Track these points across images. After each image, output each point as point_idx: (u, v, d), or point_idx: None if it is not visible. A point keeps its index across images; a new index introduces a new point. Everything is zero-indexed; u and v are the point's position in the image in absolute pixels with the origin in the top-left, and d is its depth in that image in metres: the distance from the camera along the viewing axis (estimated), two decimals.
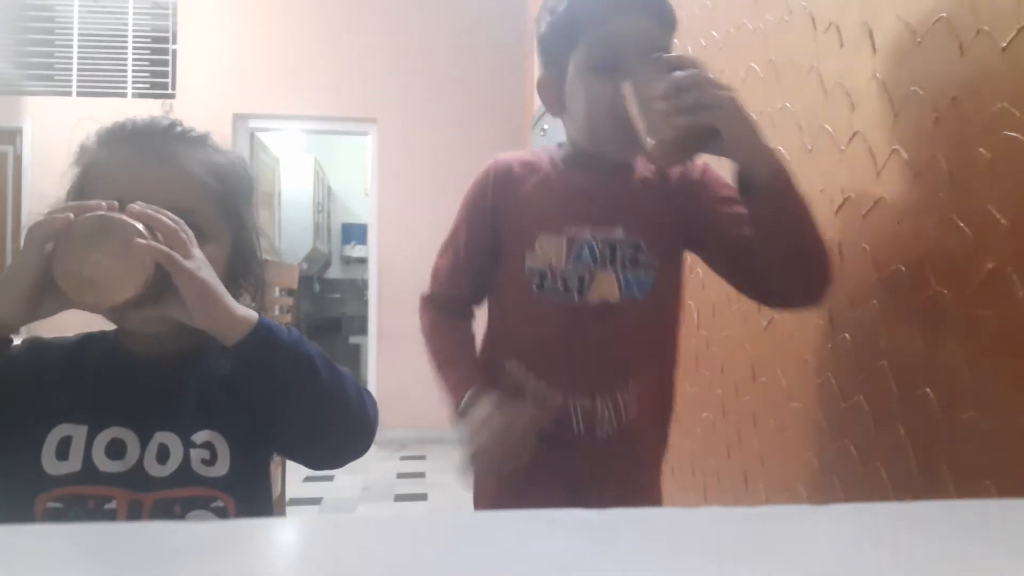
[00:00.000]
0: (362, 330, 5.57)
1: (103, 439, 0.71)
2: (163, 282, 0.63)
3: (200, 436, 0.73)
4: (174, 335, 0.71)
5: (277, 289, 1.99)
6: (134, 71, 4.45)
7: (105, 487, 0.69)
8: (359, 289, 6.78)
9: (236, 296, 0.73)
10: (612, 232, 0.94)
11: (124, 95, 4.40)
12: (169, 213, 0.65)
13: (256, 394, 0.70)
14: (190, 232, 0.66)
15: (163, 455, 0.72)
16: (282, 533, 0.37)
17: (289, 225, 5.93)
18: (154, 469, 0.71)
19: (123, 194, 0.66)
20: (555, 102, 1.00)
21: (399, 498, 3.27)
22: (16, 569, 0.27)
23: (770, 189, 0.77)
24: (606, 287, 0.94)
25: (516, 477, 0.92)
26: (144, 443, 0.72)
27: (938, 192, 0.82)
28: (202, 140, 0.81)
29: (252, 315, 0.69)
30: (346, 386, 0.73)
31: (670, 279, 0.99)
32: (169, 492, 0.71)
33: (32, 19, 4.38)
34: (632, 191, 0.97)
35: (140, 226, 0.62)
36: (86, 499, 0.69)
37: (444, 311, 1.05)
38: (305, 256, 6.15)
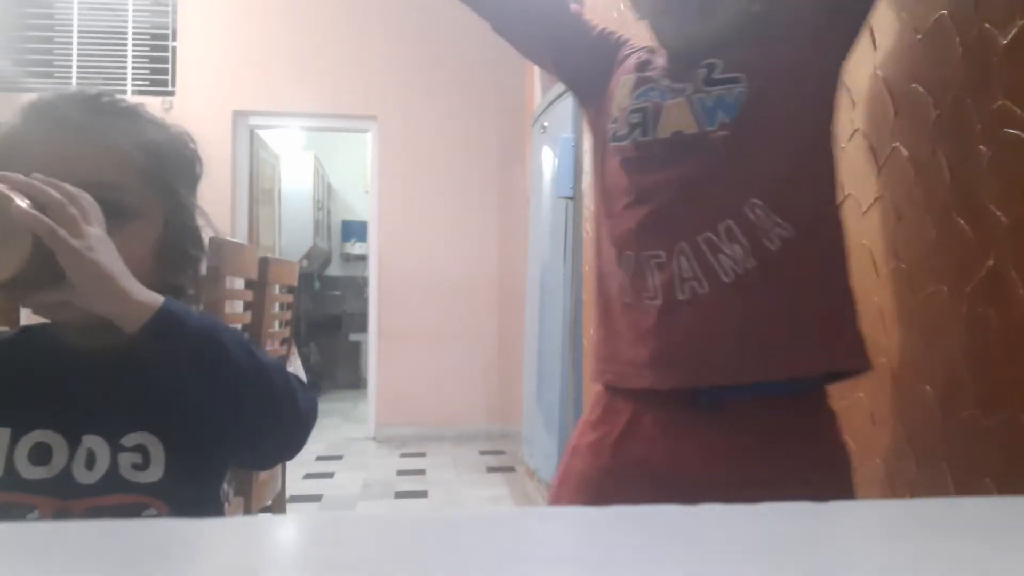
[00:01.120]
0: (362, 327, 5.57)
1: (27, 443, 0.66)
2: (57, 263, 0.56)
3: (131, 439, 0.67)
4: (107, 326, 0.61)
5: (277, 286, 1.99)
6: (134, 68, 4.45)
7: (27, 495, 0.65)
8: (359, 286, 6.79)
9: (173, 280, 0.70)
10: (692, 65, 0.81)
11: (124, 92, 4.39)
12: (63, 185, 0.59)
13: (168, 386, 0.64)
14: (89, 208, 0.60)
15: (91, 460, 0.66)
16: (282, 530, 0.37)
17: (289, 222, 5.93)
18: (82, 476, 0.66)
19: (39, 168, 0.61)
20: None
21: (399, 495, 3.27)
22: (15, 568, 0.27)
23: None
24: (682, 116, 0.80)
25: (615, 357, 0.84)
26: (72, 447, 0.66)
27: (938, 190, 0.81)
28: (133, 113, 0.76)
29: (155, 299, 0.61)
30: (271, 377, 0.65)
31: (780, 99, 0.78)
32: (98, 500, 0.66)
33: (32, 15, 4.37)
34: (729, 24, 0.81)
35: (17, 198, 0.55)
36: (8, 508, 0.64)
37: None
38: (305, 253, 6.15)
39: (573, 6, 0.99)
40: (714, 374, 0.77)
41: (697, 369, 0.78)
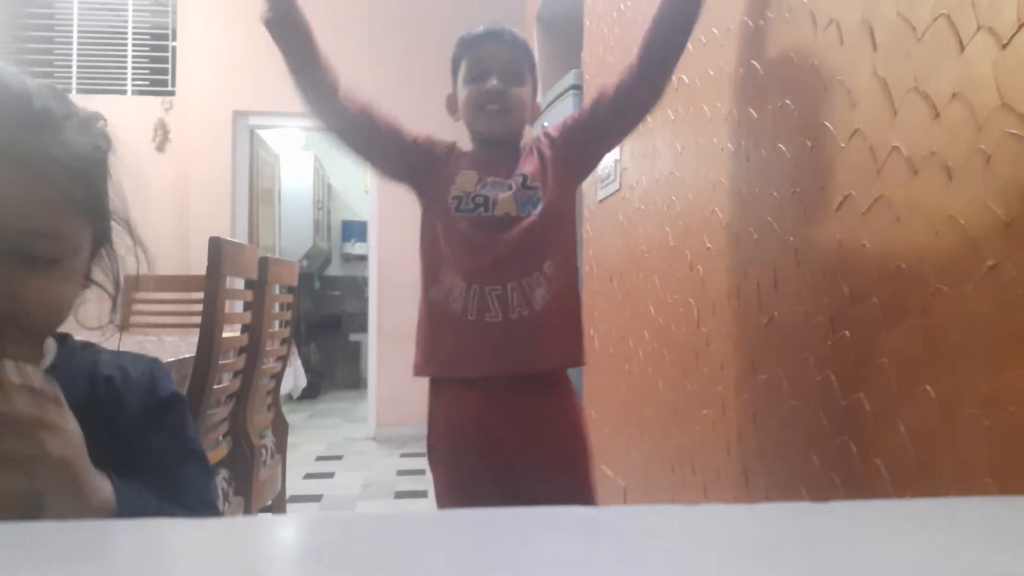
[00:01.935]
0: (362, 327, 5.57)
1: None
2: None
3: None
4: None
5: (277, 286, 1.99)
6: (134, 68, 4.44)
7: None
8: (359, 286, 6.79)
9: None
10: (508, 175, 1.31)
11: (124, 92, 4.39)
12: (39, 377, 0.54)
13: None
14: (60, 399, 0.56)
15: None
16: (282, 530, 0.37)
17: (289, 222, 5.93)
18: None
19: None
20: (454, 109, 1.42)
21: (399, 495, 3.27)
22: (15, 568, 0.27)
23: None
24: (507, 205, 1.28)
25: (454, 356, 1.27)
26: None
27: (938, 189, 0.81)
28: (56, 118, 0.64)
29: (108, 500, 0.58)
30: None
31: (558, 201, 1.30)
32: None
33: (32, 15, 4.37)
34: (522, 155, 1.36)
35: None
36: None
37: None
38: (305, 253, 6.15)
39: (407, 132, 1.41)
40: (535, 364, 1.25)
41: (526, 361, 1.24)
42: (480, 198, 1.28)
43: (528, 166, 1.32)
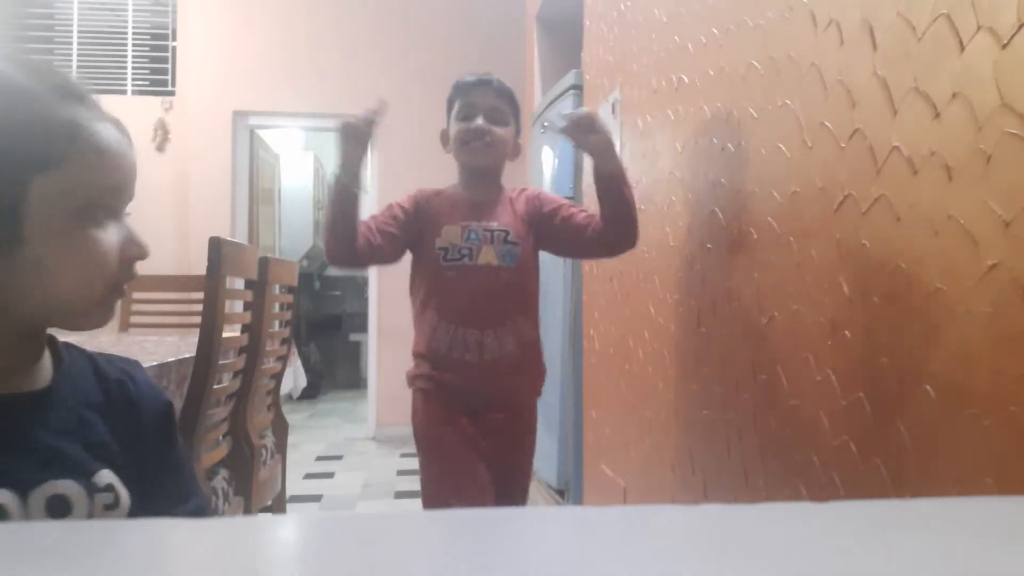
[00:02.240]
0: (362, 327, 5.57)
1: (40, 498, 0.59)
2: None
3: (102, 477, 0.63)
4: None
5: (277, 286, 1.99)
6: (134, 68, 4.45)
7: None
8: (359, 286, 6.78)
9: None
10: (490, 224, 1.50)
11: (124, 92, 4.40)
12: None
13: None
14: None
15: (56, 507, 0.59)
16: (282, 530, 0.37)
17: (289, 222, 5.93)
18: None
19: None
20: (446, 142, 1.61)
21: (399, 495, 3.27)
22: (15, 568, 0.27)
23: (614, 176, 1.42)
24: (489, 256, 1.48)
25: (438, 392, 1.50)
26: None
27: (938, 189, 0.81)
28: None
29: None
30: None
31: (529, 258, 1.53)
32: None
33: (32, 15, 4.37)
34: (501, 201, 1.55)
35: None
36: None
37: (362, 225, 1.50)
38: (305, 253, 6.15)
39: (393, 206, 1.56)
40: (503, 399, 1.51)
41: (496, 398, 1.50)
42: (465, 249, 1.48)
43: (507, 217, 1.53)
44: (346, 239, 1.43)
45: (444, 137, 1.63)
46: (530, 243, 1.52)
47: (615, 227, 1.44)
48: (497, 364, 1.46)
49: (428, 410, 1.51)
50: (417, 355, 1.54)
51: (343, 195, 1.42)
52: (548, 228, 1.53)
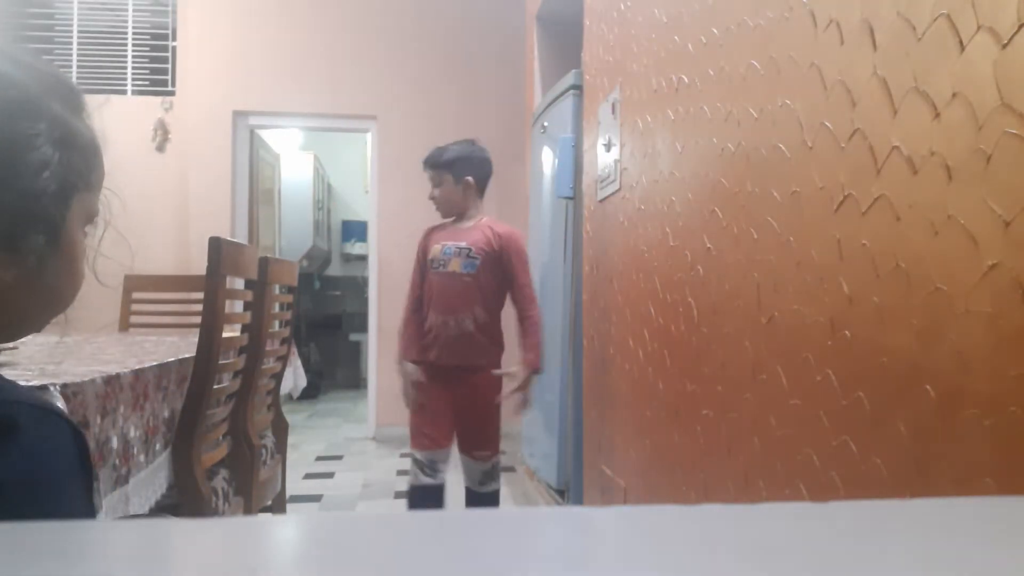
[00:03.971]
0: (362, 327, 5.57)
1: None
2: None
3: None
4: None
5: (277, 286, 1.99)
6: (134, 68, 4.44)
7: None
8: (359, 286, 6.79)
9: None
10: (458, 243, 2.23)
11: (124, 92, 4.39)
12: None
13: None
14: None
15: None
16: (282, 530, 0.37)
17: (289, 222, 5.93)
18: None
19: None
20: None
21: (399, 495, 3.27)
22: (15, 567, 0.27)
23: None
24: (455, 265, 2.21)
25: (425, 350, 2.26)
26: None
27: (938, 189, 0.81)
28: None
29: None
30: None
31: (488, 270, 2.21)
32: None
33: (32, 15, 4.37)
34: (475, 228, 2.26)
35: None
36: None
37: (413, 309, 2.34)
38: (305, 253, 6.15)
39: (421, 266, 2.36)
40: (468, 361, 2.22)
41: (462, 359, 2.22)
42: (442, 261, 2.23)
43: (473, 237, 2.23)
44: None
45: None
46: (489, 259, 2.21)
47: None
48: (462, 338, 2.20)
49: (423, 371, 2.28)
50: (410, 329, 2.32)
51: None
52: (501, 269, 2.24)
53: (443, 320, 2.19)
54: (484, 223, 2.25)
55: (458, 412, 2.22)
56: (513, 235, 2.23)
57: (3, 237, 0.57)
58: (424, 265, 2.27)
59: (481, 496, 2.29)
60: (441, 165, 2.25)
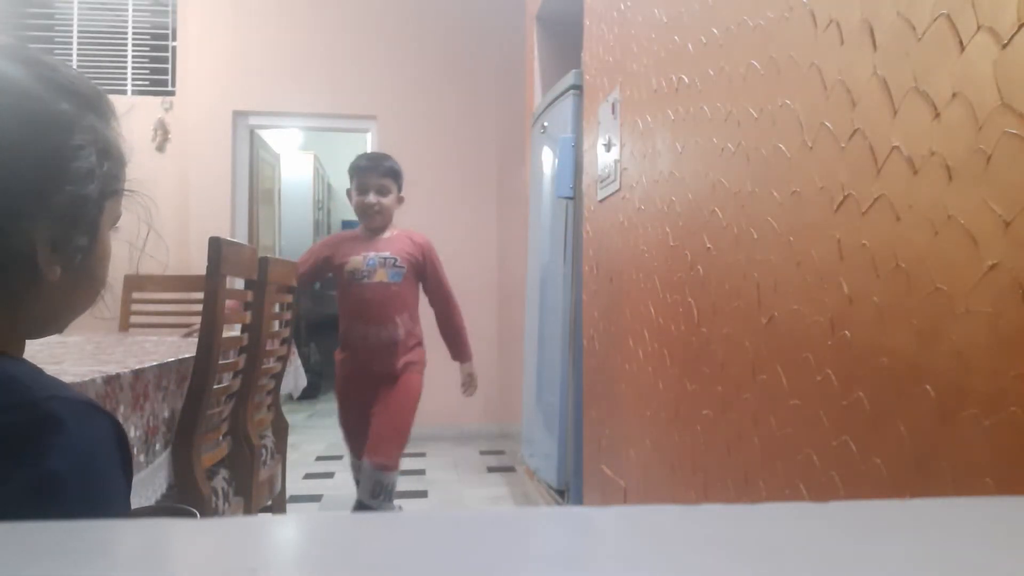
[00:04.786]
0: None
1: None
2: None
3: None
4: None
5: (277, 287, 1.99)
6: (134, 68, 4.44)
7: None
8: None
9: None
10: (381, 253, 2.31)
11: (124, 92, 4.39)
12: None
13: None
14: None
15: None
16: (282, 530, 0.37)
17: (289, 222, 5.93)
18: None
19: None
20: (351, 199, 2.39)
21: (399, 495, 3.27)
22: (15, 567, 0.27)
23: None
24: (382, 276, 2.29)
25: (349, 357, 2.38)
26: None
27: (938, 189, 0.81)
28: None
29: None
30: None
31: (411, 278, 2.35)
32: None
33: (32, 15, 4.37)
34: (395, 238, 2.37)
35: None
36: None
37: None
38: None
39: (313, 255, 2.46)
40: (389, 369, 2.34)
41: (384, 367, 2.35)
42: (365, 272, 2.28)
43: (396, 247, 2.33)
44: None
45: (349, 196, 2.40)
46: (412, 268, 2.35)
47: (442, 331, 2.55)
48: (384, 347, 2.30)
49: (341, 375, 2.45)
50: (341, 335, 2.43)
51: None
52: (419, 276, 2.41)
53: (366, 331, 2.29)
54: (402, 234, 2.38)
55: (373, 414, 2.28)
56: (430, 243, 2.42)
57: (52, 238, 0.62)
58: (317, 274, 2.39)
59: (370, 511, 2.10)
60: (391, 174, 2.31)
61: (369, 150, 4.61)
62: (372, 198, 2.29)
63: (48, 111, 0.61)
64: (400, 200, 2.38)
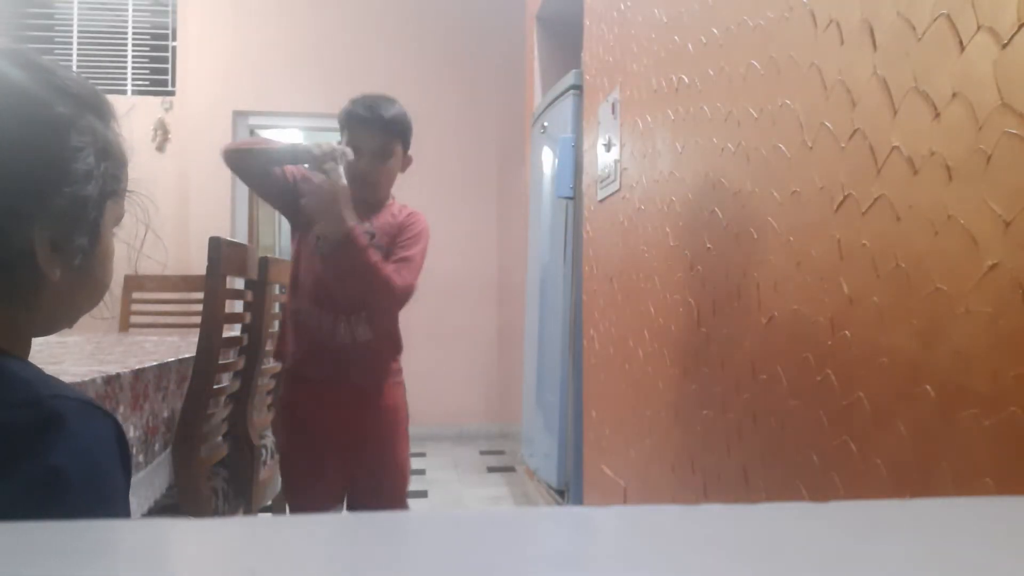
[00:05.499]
0: None
1: None
2: None
3: None
4: None
5: (277, 286, 1.99)
6: (134, 68, 4.44)
7: None
8: None
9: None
10: (365, 226, 1.57)
11: (124, 92, 4.39)
12: None
13: None
14: None
15: None
16: (282, 530, 0.37)
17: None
18: None
19: None
20: None
21: None
22: (14, 567, 0.27)
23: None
24: None
25: (298, 371, 1.64)
26: None
27: (938, 189, 0.81)
28: None
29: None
30: None
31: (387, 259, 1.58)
32: None
33: (32, 15, 4.37)
34: (385, 208, 1.67)
35: None
36: None
37: None
38: None
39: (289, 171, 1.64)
40: (363, 377, 1.65)
41: (356, 373, 1.63)
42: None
43: (381, 220, 1.63)
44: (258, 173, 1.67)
45: None
46: (391, 247, 1.62)
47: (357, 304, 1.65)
48: (357, 347, 1.60)
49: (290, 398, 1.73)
50: (290, 330, 1.72)
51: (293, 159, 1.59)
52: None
53: (335, 320, 1.59)
54: (393, 206, 1.69)
55: (351, 449, 1.63)
56: (420, 222, 1.68)
57: (53, 239, 0.62)
58: (284, 191, 1.60)
59: None
60: (396, 130, 1.65)
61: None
62: (367, 165, 1.59)
63: (46, 113, 0.61)
64: (407, 162, 1.71)
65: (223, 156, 1.62)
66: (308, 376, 1.63)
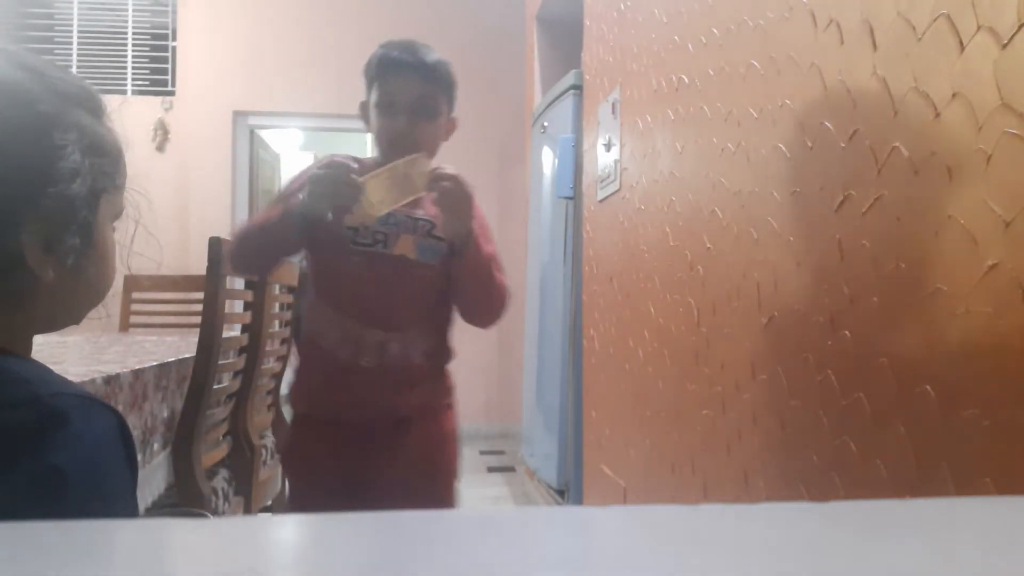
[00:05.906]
0: None
1: None
2: None
3: None
4: None
5: (277, 286, 1.99)
6: (134, 68, 4.44)
7: None
8: None
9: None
10: (414, 210, 1.25)
11: (124, 92, 4.39)
12: None
13: None
14: None
15: None
16: (282, 530, 0.37)
17: None
18: None
19: None
20: (367, 121, 1.30)
21: None
22: (15, 567, 0.27)
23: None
24: (406, 247, 1.24)
25: (323, 403, 1.27)
26: None
27: (938, 190, 0.81)
28: None
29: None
30: None
31: (449, 259, 1.24)
32: None
33: (32, 15, 4.37)
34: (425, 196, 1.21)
35: None
36: None
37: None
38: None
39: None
40: (405, 410, 1.31)
41: (393, 407, 1.29)
42: (380, 234, 1.22)
43: (433, 209, 1.21)
44: (274, 256, 1.33)
45: (364, 112, 1.30)
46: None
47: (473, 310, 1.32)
48: (398, 372, 1.24)
49: (302, 447, 1.37)
50: (301, 358, 1.34)
51: (298, 225, 1.17)
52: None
53: (366, 339, 1.22)
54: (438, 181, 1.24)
55: (388, 503, 1.25)
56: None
57: (43, 240, 0.61)
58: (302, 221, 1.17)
59: None
60: (442, 82, 1.31)
61: (369, 151, 4.61)
62: (406, 121, 1.23)
63: (26, 113, 0.60)
64: (451, 127, 1.40)
65: (231, 267, 1.40)
66: (335, 420, 1.26)
